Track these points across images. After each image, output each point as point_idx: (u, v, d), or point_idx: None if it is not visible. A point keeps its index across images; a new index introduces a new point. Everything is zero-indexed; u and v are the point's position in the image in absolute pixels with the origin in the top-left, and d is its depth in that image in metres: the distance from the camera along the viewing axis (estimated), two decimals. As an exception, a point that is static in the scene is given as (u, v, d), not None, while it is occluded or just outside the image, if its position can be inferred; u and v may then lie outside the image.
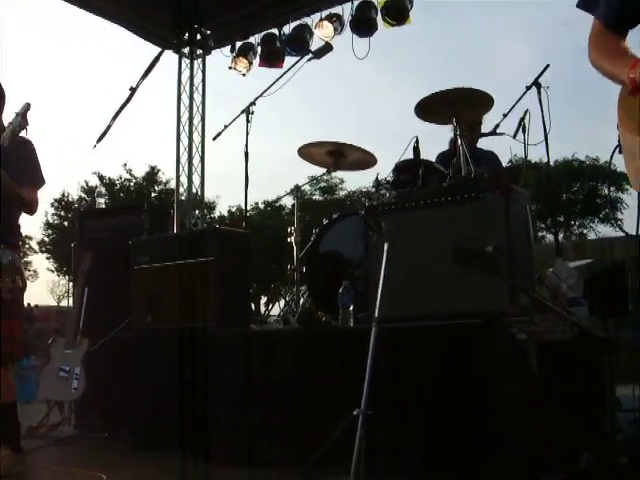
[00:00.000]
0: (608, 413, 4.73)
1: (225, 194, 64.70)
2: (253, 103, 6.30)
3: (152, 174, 45.08)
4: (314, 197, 43.36)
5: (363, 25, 8.88)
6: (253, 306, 39.94)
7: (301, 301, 6.11)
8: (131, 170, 44.55)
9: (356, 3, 8.92)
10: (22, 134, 4.60)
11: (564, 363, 4.17)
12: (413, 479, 3.84)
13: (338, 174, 35.46)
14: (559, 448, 3.80)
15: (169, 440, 5.06)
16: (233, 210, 44.73)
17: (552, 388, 4.05)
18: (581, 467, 3.76)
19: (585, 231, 41.51)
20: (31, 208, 4.77)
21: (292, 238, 6.28)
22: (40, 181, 4.86)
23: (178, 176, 10.63)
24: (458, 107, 5.35)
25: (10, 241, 4.63)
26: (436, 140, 6.77)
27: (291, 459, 4.30)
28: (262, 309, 40.19)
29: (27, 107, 4.41)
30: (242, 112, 6.31)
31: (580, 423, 4.19)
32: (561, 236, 38.66)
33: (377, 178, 5.29)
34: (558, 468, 3.68)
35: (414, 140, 5.19)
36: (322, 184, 43.39)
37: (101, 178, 43.43)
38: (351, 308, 4.80)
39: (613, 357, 4.69)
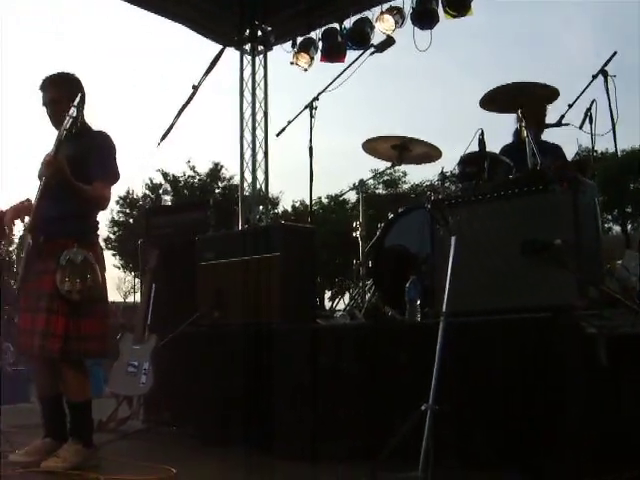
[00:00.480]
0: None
1: (288, 189, 64.87)
2: (316, 98, 6.29)
3: (215, 170, 45.37)
4: (377, 191, 43.23)
5: (424, 17, 8.85)
6: (318, 301, 40.11)
7: (367, 296, 6.11)
8: (194, 167, 44.91)
9: (417, -5, 8.88)
10: (99, 128, 4.70)
11: (636, 357, 4.10)
12: (482, 475, 3.82)
13: (401, 167, 35.31)
14: (628, 446, 3.73)
15: (236, 435, 5.10)
16: (297, 205, 44.86)
17: (622, 383, 3.98)
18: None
19: (653, 223, 40.71)
20: (100, 204, 4.80)
21: (357, 232, 6.28)
22: (112, 177, 4.82)
23: (242, 172, 10.73)
24: (523, 100, 5.30)
25: (85, 239, 4.65)
26: (500, 132, 6.72)
27: (358, 455, 4.30)
28: (326, 304, 40.26)
29: (81, 98, 4.56)
30: (306, 107, 6.30)
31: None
32: (629, 227, 37.96)
33: (442, 171, 5.27)
34: (625, 466, 3.61)
35: (479, 132, 5.14)
36: (385, 178, 43.26)
37: (165, 175, 43.84)
38: (418, 303, 4.78)
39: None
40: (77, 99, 4.51)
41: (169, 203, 7.82)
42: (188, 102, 7.18)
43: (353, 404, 4.64)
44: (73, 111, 4.44)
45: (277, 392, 4.98)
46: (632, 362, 3.94)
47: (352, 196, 39.04)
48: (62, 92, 4.72)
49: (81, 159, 4.59)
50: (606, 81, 5.72)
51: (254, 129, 10.67)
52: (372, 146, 6.47)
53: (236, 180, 42.02)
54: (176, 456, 4.83)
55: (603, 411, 3.73)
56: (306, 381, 4.84)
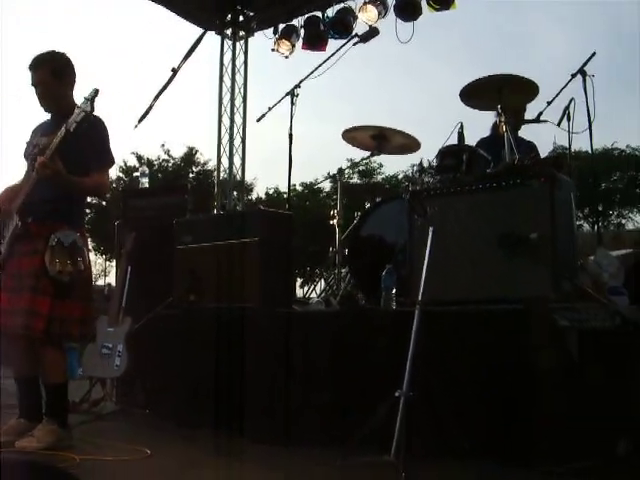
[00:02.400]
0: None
1: (262, 176, 64.70)
2: (298, 86, 6.32)
3: (190, 155, 45.26)
4: (352, 181, 43.31)
5: (407, 9, 8.85)
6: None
7: (342, 284, 6.16)
8: (169, 151, 44.79)
9: (401, -13, 8.90)
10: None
11: (604, 350, 4.19)
12: (454, 462, 3.88)
13: (377, 158, 35.37)
14: (597, 434, 3.82)
15: (210, 418, 5.12)
16: (270, 192, 44.85)
17: (592, 375, 4.06)
18: (618, 454, 3.78)
19: (623, 221, 41.16)
20: (99, 192, 4.80)
21: (335, 220, 6.32)
22: (108, 163, 4.81)
23: (219, 158, 10.73)
24: (503, 93, 5.36)
25: (74, 222, 4.65)
26: (478, 126, 6.78)
27: (331, 439, 4.36)
28: (298, 291, 40.27)
29: (95, 93, 4.42)
30: (287, 94, 6.32)
31: (618, 410, 4.20)
32: (599, 225, 38.33)
33: (421, 163, 5.32)
34: (595, 453, 3.70)
35: (459, 125, 5.20)
36: (361, 168, 43.32)
37: (139, 158, 43.72)
38: (393, 291, 4.84)
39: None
40: (92, 92, 4.41)
41: (147, 186, 7.78)
42: (166, 85, 7.19)
43: (328, 389, 4.69)
44: (87, 105, 4.37)
45: (252, 376, 5.00)
46: (600, 355, 4.03)
47: (326, 185, 39.11)
48: (52, 72, 4.66)
49: (77, 149, 4.51)
50: (584, 80, 5.80)
51: (232, 114, 10.66)
52: (351, 135, 6.51)
53: (210, 165, 42.06)
54: (150, 438, 4.84)
55: (573, 401, 3.81)
56: (281, 366, 4.88)
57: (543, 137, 6.51)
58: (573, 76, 5.82)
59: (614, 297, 4.65)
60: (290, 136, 6.35)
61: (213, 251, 5.66)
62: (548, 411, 3.83)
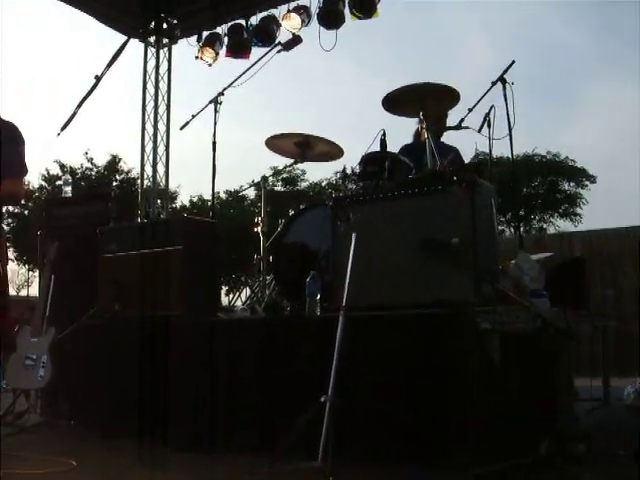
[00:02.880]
0: (567, 402, 4.85)
1: (186, 184, 64.30)
2: (222, 93, 6.31)
3: (114, 163, 44.67)
4: (276, 188, 43.23)
5: (330, 17, 8.90)
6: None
7: (267, 291, 6.16)
8: (92, 159, 44.15)
9: (324, -5, 8.95)
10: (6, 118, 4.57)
11: (526, 353, 4.27)
12: (381, 467, 3.91)
13: (300, 166, 35.36)
14: (520, 435, 3.89)
15: (135, 428, 5.06)
16: (194, 200, 44.55)
17: (514, 377, 4.14)
18: (541, 454, 3.85)
19: (545, 225, 41.90)
20: (12, 200, 4.70)
21: (259, 228, 6.31)
22: (20, 171, 4.75)
23: (143, 166, 10.63)
24: (425, 101, 5.43)
25: None
26: (402, 132, 6.86)
27: (258, 446, 4.35)
28: (223, 299, 40.10)
29: None
30: (211, 102, 6.32)
31: (540, 412, 4.29)
32: (521, 230, 38.98)
33: (344, 170, 5.35)
34: (519, 454, 3.77)
35: (381, 133, 5.25)
36: (284, 175, 43.27)
37: (62, 167, 42.97)
38: (318, 297, 4.85)
39: (573, 348, 4.81)
40: None
41: (69, 194, 7.67)
42: (90, 92, 7.11)
43: (253, 396, 4.68)
44: None
45: (176, 384, 4.98)
46: (522, 357, 4.11)
47: (250, 192, 39.00)
48: None
49: None
50: (504, 88, 5.92)
51: (156, 122, 10.58)
52: (275, 143, 6.51)
53: (134, 173, 41.76)
54: (75, 449, 4.76)
55: (496, 403, 3.88)
56: (205, 374, 4.86)
57: (465, 143, 6.61)
58: (493, 84, 5.93)
59: (535, 300, 4.74)
60: (214, 144, 6.35)
61: (137, 260, 5.60)
62: (472, 413, 3.89)
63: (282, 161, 7.14)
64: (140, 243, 5.62)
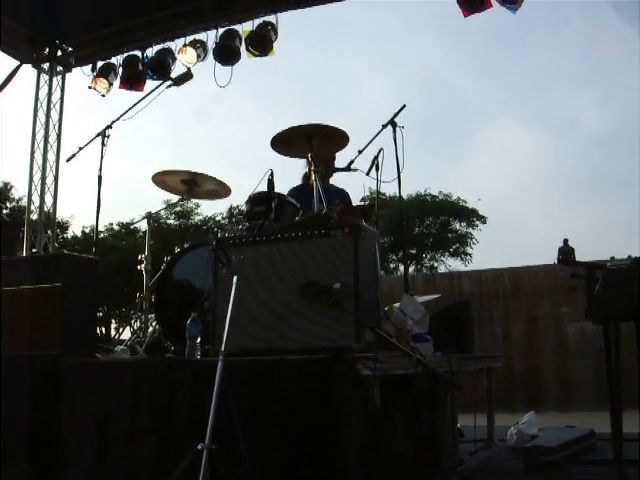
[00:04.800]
0: (450, 446, 4.87)
1: (79, 214, 63.28)
2: (109, 127, 6.22)
3: (5, 190, 43.60)
4: (169, 221, 42.77)
5: (226, 53, 8.96)
6: (104, 330, 39.11)
7: (149, 330, 6.03)
8: (-20, 185, 42.97)
9: (221, 31, 8.97)
10: None
11: (408, 398, 4.26)
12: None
13: (194, 199, 35.15)
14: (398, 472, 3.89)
15: (15, 473, 4.85)
16: (87, 231, 43.74)
17: (396, 423, 4.13)
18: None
19: (436, 264, 42.65)
20: None
21: (142, 265, 6.19)
22: None
23: (30, 195, 10.38)
24: (313, 142, 5.43)
25: None
26: (291, 173, 6.85)
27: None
28: (112, 333, 39.48)
29: None
30: (98, 135, 6.23)
31: (424, 456, 4.29)
32: (412, 269, 39.58)
33: (230, 209, 5.31)
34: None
35: (269, 173, 5.22)
36: (177, 209, 42.85)
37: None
38: (199, 340, 4.75)
39: (455, 392, 4.84)
40: None
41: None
42: (-22, 117, 6.89)
43: (126, 443, 4.52)
44: None
45: (41, 428, 4.79)
46: (402, 400, 4.10)
47: (144, 225, 38.52)
48: None
49: None
50: (394, 131, 5.99)
51: (46, 151, 10.35)
52: (162, 179, 6.43)
53: (25, 202, 40.82)
54: None
55: (376, 448, 3.86)
56: (77, 418, 4.69)
57: (355, 185, 6.65)
58: (384, 126, 6.03)
59: (419, 344, 4.76)
60: (99, 178, 6.25)
61: (16, 296, 5.40)
62: (351, 460, 3.85)
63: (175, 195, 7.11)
64: (20, 278, 5.41)
